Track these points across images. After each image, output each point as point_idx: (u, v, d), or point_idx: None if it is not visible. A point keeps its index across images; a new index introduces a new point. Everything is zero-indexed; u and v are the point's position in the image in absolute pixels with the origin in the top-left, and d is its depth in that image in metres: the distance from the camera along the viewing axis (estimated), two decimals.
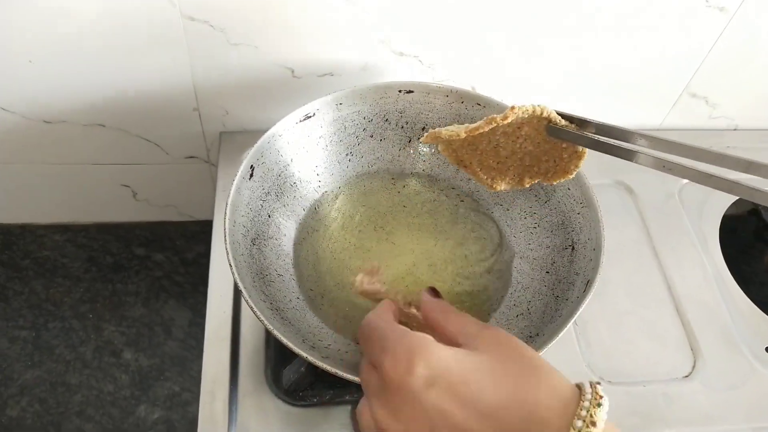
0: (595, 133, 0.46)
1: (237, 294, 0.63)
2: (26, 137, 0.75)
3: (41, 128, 0.74)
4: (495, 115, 0.46)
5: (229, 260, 0.49)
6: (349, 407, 0.57)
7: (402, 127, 0.64)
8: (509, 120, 0.46)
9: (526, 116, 0.46)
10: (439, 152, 0.52)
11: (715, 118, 0.83)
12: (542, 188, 0.60)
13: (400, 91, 0.62)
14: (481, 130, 0.47)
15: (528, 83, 0.75)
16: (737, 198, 0.77)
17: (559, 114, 0.47)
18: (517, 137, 0.49)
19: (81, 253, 0.94)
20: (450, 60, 0.70)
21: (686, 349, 0.64)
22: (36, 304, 0.92)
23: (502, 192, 0.62)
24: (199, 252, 0.96)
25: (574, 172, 0.49)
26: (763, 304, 0.68)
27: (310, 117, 0.59)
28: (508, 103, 0.61)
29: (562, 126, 0.47)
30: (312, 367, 0.54)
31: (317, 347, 0.51)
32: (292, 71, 0.70)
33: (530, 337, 0.52)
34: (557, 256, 0.57)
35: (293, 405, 0.56)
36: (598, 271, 0.51)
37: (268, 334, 0.59)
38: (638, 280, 0.69)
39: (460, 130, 0.48)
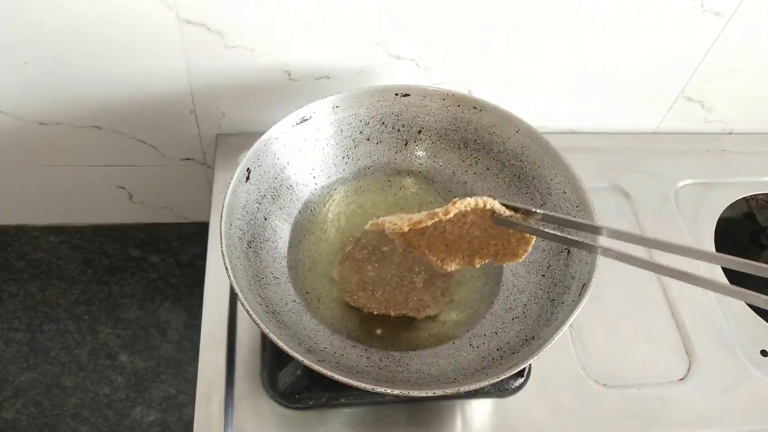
0: (541, 221, 0.47)
1: (233, 297, 0.62)
2: (21, 139, 0.75)
3: (36, 130, 0.74)
4: (437, 210, 0.46)
5: (225, 263, 0.48)
6: (345, 410, 0.57)
7: (398, 130, 0.64)
8: (451, 215, 0.46)
9: (469, 209, 0.47)
10: (388, 235, 0.52)
11: (711, 122, 0.83)
12: (538, 191, 0.61)
13: (396, 95, 0.62)
14: (424, 224, 0.47)
15: (527, 83, 0.75)
16: (732, 201, 0.77)
17: (503, 205, 0.47)
18: (463, 224, 0.49)
19: (76, 255, 0.94)
20: (449, 60, 0.70)
21: (681, 352, 0.64)
22: (31, 306, 0.92)
23: (501, 197, 0.62)
24: (195, 254, 0.96)
25: (523, 256, 0.49)
26: (757, 308, 0.69)
27: (307, 120, 0.59)
28: (506, 105, 0.61)
29: (506, 216, 0.47)
30: (308, 370, 0.54)
31: (313, 350, 0.51)
32: (289, 74, 0.70)
33: (525, 340, 0.52)
34: (553, 259, 0.57)
35: (289, 408, 0.56)
36: (593, 275, 0.51)
37: (264, 337, 0.58)
38: (633, 283, 0.69)
39: (403, 223, 0.47)
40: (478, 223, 0.48)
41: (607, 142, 0.82)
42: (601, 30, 0.69)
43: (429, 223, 0.47)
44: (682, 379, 0.62)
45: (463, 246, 0.50)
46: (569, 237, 0.46)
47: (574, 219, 0.47)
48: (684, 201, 0.77)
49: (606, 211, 0.74)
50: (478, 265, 0.51)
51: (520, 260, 0.49)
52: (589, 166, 0.77)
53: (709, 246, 0.73)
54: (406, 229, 0.47)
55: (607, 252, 0.44)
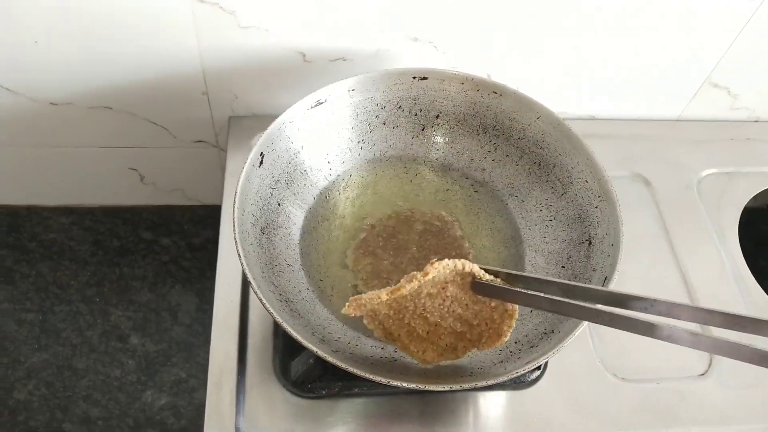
0: (523, 288, 0.45)
1: (245, 283, 0.62)
2: (33, 119, 0.74)
3: (47, 110, 0.73)
4: (416, 272, 0.45)
5: (238, 250, 0.47)
6: (357, 400, 0.56)
7: (416, 115, 0.62)
8: (430, 276, 0.44)
9: (448, 271, 0.45)
10: (363, 321, 0.50)
11: (736, 110, 0.81)
12: (558, 180, 0.59)
13: (414, 78, 0.60)
14: (403, 290, 0.45)
15: (546, 70, 0.73)
16: (757, 191, 0.75)
17: (483, 269, 0.46)
18: (444, 299, 0.47)
19: (87, 236, 0.94)
20: (468, 45, 0.69)
21: None
22: (43, 287, 0.92)
23: (521, 186, 0.60)
24: (207, 237, 0.96)
25: (508, 334, 0.47)
26: None
27: (322, 103, 0.58)
28: (525, 91, 0.59)
29: (487, 281, 0.46)
30: (321, 359, 0.53)
31: (327, 340, 0.50)
32: (304, 55, 0.68)
33: (544, 333, 0.51)
34: (573, 250, 0.56)
35: (301, 397, 0.55)
36: (616, 268, 0.50)
37: (277, 325, 0.58)
38: (654, 274, 0.67)
39: (381, 292, 0.46)
40: (459, 298, 0.47)
41: (628, 129, 0.80)
42: (623, 19, 0.67)
43: (408, 287, 0.45)
44: (702, 375, 0.61)
45: (445, 331, 0.48)
46: (554, 299, 0.43)
47: (549, 279, 0.44)
48: (707, 191, 0.75)
49: (626, 201, 0.71)
50: (462, 356, 0.49)
51: (506, 340, 0.48)
52: (609, 153, 0.75)
53: (733, 237, 0.71)
54: (384, 297, 0.46)
55: (578, 311, 0.42)
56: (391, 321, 0.48)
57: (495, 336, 0.48)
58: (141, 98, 0.73)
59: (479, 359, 0.50)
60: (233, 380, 0.56)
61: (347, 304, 0.47)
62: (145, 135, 0.78)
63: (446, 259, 0.45)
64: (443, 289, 0.47)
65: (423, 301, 0.47)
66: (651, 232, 0.71)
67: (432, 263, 0.45)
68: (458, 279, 0.46)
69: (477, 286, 0.46)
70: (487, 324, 0.48)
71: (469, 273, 0.46)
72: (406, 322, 0.48)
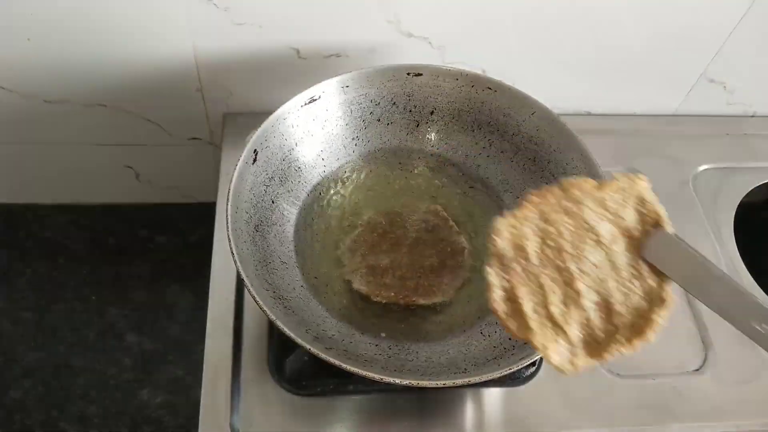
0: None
1: (239, 281, 0.61)
2: (27, 117, 0.74)
3: (42, 108, 0.73)
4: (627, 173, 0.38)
5: (231, 249, 0.47)
6: (353, 397, 0.56)
7: (410, 111, 0.62)
8: (644, 185, 0.37)
9: (645, 193, 0.38)
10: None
11: (733, 105, 0.81)
12: (553, 176, 0.59)
13: (408, 74, 0.60)
14: (616, 184, 0.38)
15: (541, 66, 0.72)
16: (753, 187, 0.75)
17: None
18: (604, 257, 0.38)
19: (84, 235, 0.94)
20: (463, 39, 0.68)
21: (697, 341, 0.63)
22: (39, 286, 0.92)
23: (515, 182, 0.59)
24: (203, 235, 0.95)
25: (656, 330, 0.37)
26: None
27: (316, 100, 0.58)
28: (522, 87, 0.59)
29: (674, 235, 0.36)
30: (315, 357, 0.52)
31: (321, 338, 0.50)
32: (298, 52, 0.68)
33: None
34: None
35: (296, 394, 0.55)
36: None
37: (271, 322, 0.57)
38: None
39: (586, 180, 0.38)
40: (619, 264, 0.38)
41: (623, 124, 0.80)
42: (617, 11, 0.66)
43: (622, 182, 0.37)
44: (697, 370, 0.61)
45: (576, 314, 0.38)
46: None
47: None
48: (703, 186, 0.75)
49: None
50: (575, 372, 0.38)
51: (652, 338, 0.37)
52: (604, 149, 0.74)
53: (729, 233, 0.71)
54: (591, 183, 0.38)
55: None
56: (523, 276, 0.38)
57: (637, 332, 0.37)
58: (135, 95, 0.72)
59: (473, 356, 0.50)
60: (228, 378, 0.56)
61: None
62: (140, 132, 0.78)
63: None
64: (614, 240, 0.37)
65: (586, 250, 0.38)
66: None
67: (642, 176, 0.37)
68: (638, 228, 0.37)
69: (654, 248, 0.36)
70: (631, 315, 0.38)
71: (656, 218, 0.37)
72: (544, 286, 0.38)
